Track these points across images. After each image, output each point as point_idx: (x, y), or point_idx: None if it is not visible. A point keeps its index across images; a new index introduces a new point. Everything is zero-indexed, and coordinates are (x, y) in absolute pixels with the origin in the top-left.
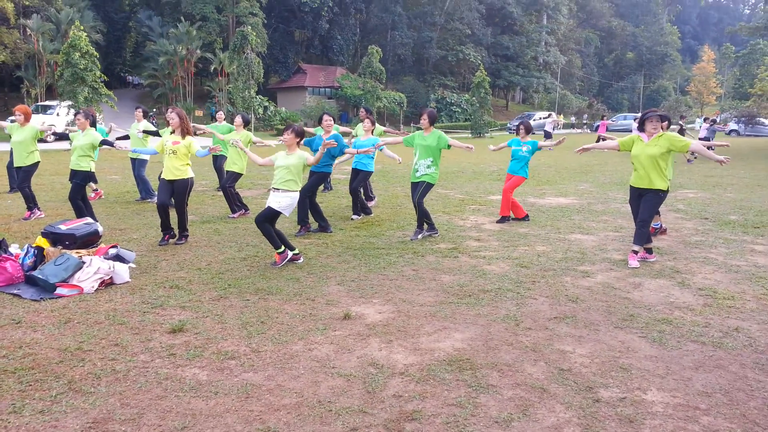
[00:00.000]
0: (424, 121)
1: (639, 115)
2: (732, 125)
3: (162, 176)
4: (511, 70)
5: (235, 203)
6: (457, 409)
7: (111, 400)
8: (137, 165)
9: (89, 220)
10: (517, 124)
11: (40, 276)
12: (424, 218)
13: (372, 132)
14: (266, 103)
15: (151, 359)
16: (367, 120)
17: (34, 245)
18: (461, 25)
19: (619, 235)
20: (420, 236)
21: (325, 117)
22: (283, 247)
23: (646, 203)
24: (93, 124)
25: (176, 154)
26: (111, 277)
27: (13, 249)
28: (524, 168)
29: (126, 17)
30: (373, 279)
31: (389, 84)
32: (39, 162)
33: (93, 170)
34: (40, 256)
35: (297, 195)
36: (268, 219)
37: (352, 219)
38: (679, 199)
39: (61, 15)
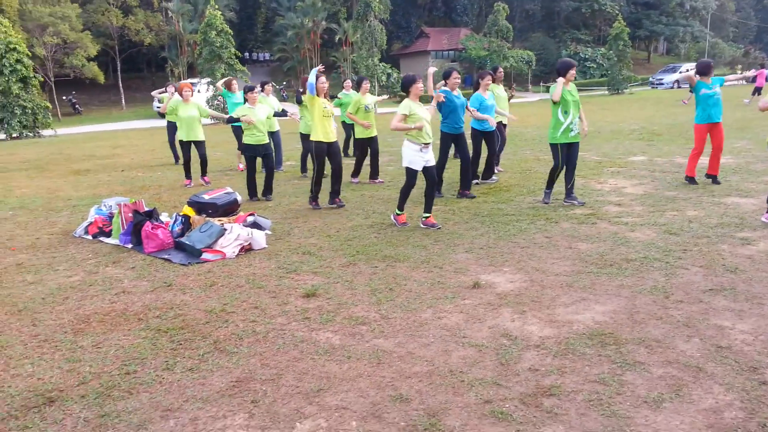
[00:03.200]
0: (572, 75)
1: None
2: None
3: (321, 139)
4: (654, 19)
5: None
6: (601, 387)
7: (252, 360)
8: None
9: (229, 189)
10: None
11: (187, 242)
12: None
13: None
14: (389, 70)
15: (287, 322)
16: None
17: (181, 213)
18: None
19: None
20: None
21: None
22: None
23: None
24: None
25: (332, 116)
26: (249, 244)
27: (163, 217)
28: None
29: None
30: (503, 246)
31: (516, 42)
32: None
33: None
34: (186, 223)
35: None
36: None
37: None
38: None
39: None
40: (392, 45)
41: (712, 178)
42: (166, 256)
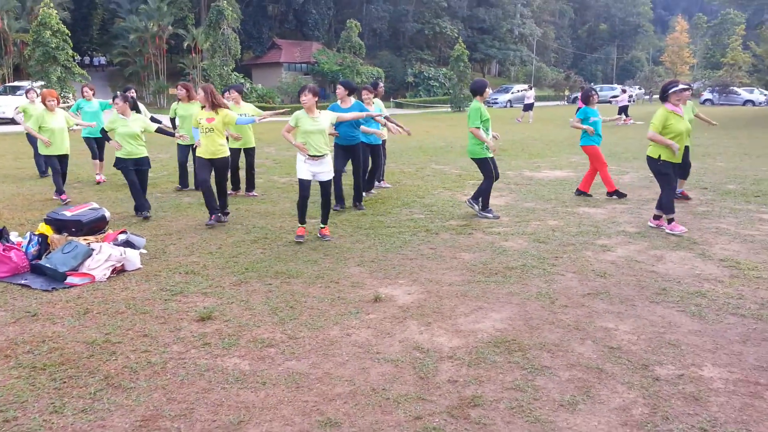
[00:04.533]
0: (488, 93)
1: (615, 86)
2: (706, 95)
3: (199, 155)
4: (488, 43)
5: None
6: (518, 393)
7: (155, 395)
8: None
9: (94, 204)
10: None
11: (48, 265)
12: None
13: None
14: (242, 80)
15: (185, 350)
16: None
17: (36, 233)
18: None
19: (626, 207)
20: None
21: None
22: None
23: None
24: (134, 107)
25: (214, 131)
26: (122, 264)
27: (13, 237)
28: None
29: None
30: (393, 259)
31: (366, 59)
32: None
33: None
34: (44, 244)
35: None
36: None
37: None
38: None
39: None
40: (243, 54)
41: (585, 194)
42: (23, 281)
